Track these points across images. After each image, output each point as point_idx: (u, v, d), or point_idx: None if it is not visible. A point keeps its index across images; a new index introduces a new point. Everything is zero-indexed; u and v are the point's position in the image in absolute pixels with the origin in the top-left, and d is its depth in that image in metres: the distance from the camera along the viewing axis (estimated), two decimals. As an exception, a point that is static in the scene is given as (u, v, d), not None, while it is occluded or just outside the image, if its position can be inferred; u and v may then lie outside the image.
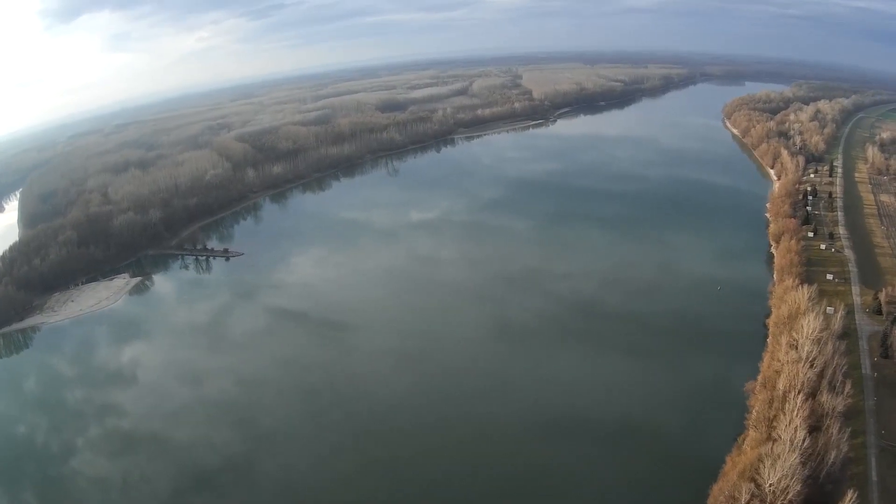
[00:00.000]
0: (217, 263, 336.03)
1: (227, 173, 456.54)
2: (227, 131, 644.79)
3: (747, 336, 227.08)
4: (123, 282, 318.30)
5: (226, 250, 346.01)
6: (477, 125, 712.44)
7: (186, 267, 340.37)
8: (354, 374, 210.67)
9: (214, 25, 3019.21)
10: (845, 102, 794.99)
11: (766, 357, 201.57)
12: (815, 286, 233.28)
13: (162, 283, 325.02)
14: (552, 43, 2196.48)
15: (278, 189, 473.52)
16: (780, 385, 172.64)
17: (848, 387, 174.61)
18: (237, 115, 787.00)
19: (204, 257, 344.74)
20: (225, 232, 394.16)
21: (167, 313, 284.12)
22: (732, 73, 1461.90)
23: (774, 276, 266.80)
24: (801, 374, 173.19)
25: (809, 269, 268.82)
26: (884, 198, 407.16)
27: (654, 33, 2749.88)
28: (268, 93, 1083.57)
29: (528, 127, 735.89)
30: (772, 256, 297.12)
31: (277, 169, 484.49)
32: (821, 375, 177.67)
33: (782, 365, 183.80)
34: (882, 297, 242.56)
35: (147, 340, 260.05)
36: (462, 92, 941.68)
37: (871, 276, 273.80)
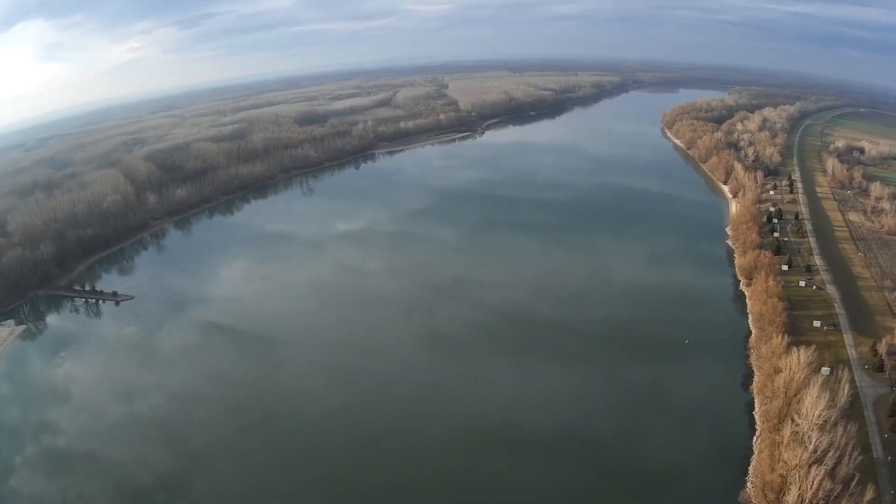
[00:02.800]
0: (107, 308, 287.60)
1: (126, 199, 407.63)
2: (141, 147, 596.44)
3: (676, 339, 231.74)
4: (7, 331, 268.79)
5: (115, 293, 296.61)
6: (400, 139, 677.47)
7: (77, 310, 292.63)
8: (284, 389, 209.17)
9: (145, 35, 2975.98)
10: (791, 109, 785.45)
11: (763, 451, 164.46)
12: (813, 350, 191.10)
13: (49, 331, 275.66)
14: (479, 51, 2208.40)
15: (182, 215, 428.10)
16: (791, 499, 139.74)
17: (870, 494, 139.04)
18: (155, 130, 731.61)
19: (94, 300, 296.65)
20: (124, 265, 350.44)
21: (45, 374, 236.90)
22: (666, 79, 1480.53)
23: (751, 323, 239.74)
24: (813, 479, 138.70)
25: (791, 314, 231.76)
26: (853, 216, 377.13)
27: (582, 40, 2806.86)
28: (190, 104, 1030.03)
29: (454, 139, 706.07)
30: (741, 295, 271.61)
31: (182, 192, 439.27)
32: (832, 474, 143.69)
33: (789, 470, 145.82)
34: (882, 348, 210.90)
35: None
36: (385, 103, 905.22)
37: (862, 318, 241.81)
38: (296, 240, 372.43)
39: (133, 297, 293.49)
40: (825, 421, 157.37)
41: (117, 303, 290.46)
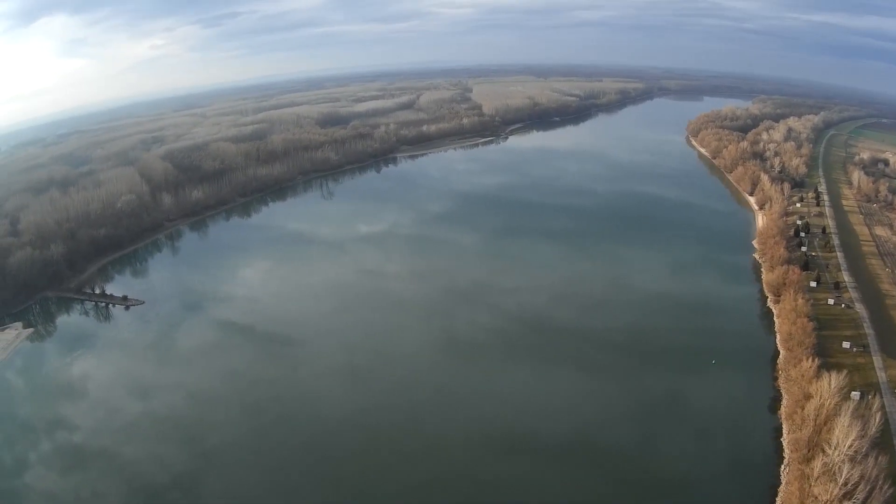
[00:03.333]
0: (117, 313, 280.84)
1: (141, 199, 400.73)
2: (160, 146, 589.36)
3: (699, 351, 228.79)
4: (14, 333, 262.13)
5: (125, 298, 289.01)
6: (422, 142, 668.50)
7: (87, 314, 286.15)
8: (300, 390, 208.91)
9: (168, 33, 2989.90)
10: (815, 119, 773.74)
11: (792, 483, 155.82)
12: (844, 375, 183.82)
13: (57, 335, 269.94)
14: (502, 56, 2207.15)
15: (198, 216, 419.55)
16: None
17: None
18: (175, 128, 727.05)
19: (104, 304, 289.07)
20: (137, 267, 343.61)
21: (54, 375, 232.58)
22: (689, 87, 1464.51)
23: (779, 343, 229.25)
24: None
25: (820, 334, 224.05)
26: (879, 231, 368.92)
27: (606, 47, 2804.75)
28: (212, 103, 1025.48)
29: (477, 144, 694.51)
30: (768, 312, 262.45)
31: (198, 193, 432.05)
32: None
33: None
34: None
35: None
36: (408, 106, 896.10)
37: (891, 339, 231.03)
38: (314, 242, 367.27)
39: (143, 302, 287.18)
40: (856, 451, 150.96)
41: (127, 307, 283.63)
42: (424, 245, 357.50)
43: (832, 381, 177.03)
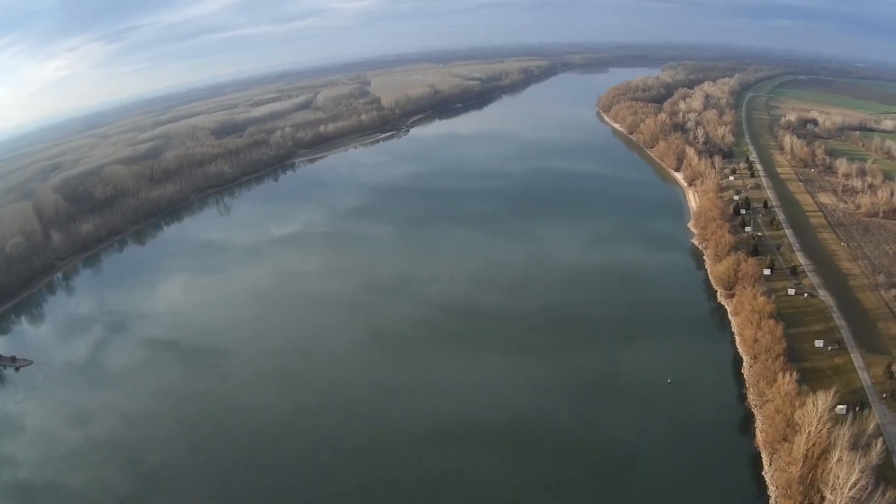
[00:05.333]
0: (8, 375, 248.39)
1: (31, 239, 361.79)
2: (59, 173, 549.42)
3: (630, 321, 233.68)
4: None
5: (13, 358, 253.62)
6: (320, 144, 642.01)
7: None
8: (233, 400, 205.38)
9: (71, 53, 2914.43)
10: (731, 83, 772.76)
11: None
12: (832, 393, 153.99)
13: None
14: (403, 45, 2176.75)
15: (90, 251, 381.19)
16: None
17: None
18: (74, 152, 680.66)
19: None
20: (34, 314, 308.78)
21: None
22: (594, 60, 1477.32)
23: (739, 347, 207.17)
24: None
25: (788, 334, 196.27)
26: (824, 198, 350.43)
27: (507, 28, 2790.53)
28: (116, 121, 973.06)
29: (377, 140, 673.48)
30: (719, 309, 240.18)
31: (88, 226, 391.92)
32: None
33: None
34: None
35: None
36: (306, 105, 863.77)
37: (865, 329, 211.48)
38: (215, 267, 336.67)
39: (32, 362, 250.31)
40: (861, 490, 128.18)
41: (17, 369, 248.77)
42: (340, 242, 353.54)
43: (819, 403, 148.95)
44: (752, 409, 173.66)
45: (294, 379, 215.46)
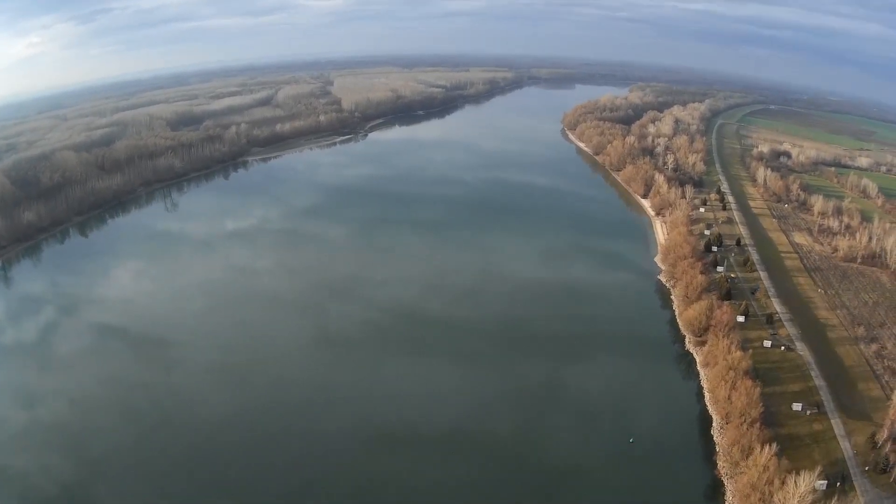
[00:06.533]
0: None
1: None
2: (13, 154, 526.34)
3: (575, 339, 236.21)
4: None
5: None
6: (275, 143, 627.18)
7: None
8: (177, 393, 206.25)
9: (45, 30, 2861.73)
10: (702, 108, 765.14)
11: None
12: (817, 472, 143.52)
13: None
14: (370, 47, 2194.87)
15: (30, 241, 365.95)
16: None
17: None
18: (32, 133, 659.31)
19: None
20: None
21: None
22: (561, 76, 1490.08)
23: (709, 405, 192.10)
24: None
25: (764, 394, 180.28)
26: (798, 238, 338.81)
27: (476, 37, 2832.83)
28: (78, 104, 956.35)
29: (334, 143, 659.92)
30: (686, 356, 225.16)
31: (30, 215, 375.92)
32: None
33: None
34: (881, 438, 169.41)
35: None
36: (266, 102, 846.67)
37: (845, 389, 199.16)
38: (157, 266, 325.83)
39: None
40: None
41: None
42: (293, 240, 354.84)
43: (801, 484, 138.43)
44: (723, 478, 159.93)
45: (239, 375, 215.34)
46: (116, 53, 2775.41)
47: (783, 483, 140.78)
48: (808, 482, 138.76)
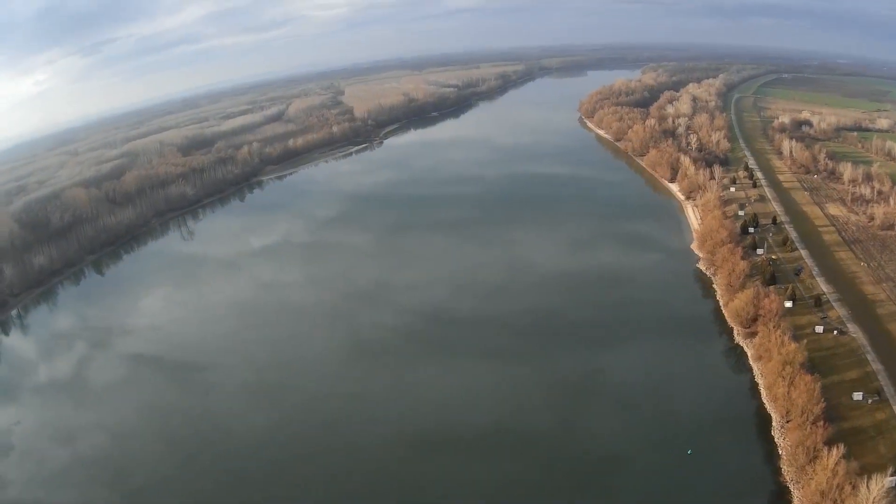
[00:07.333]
0: None
1: None
2: (24, 195, 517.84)
3: (613, 334, 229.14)
4: None
5: None
6: (289, 159, 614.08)
7: None
8: (216, 415, 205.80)
9: (50, 66, 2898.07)
10: (717, 84, 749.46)
11: None
12: (889, 474, 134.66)
13: None
14: (378, 52, 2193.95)
15: (45, 286, 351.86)
16: None
17: None
18: (42, 172, 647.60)
19: None
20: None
21: None
22: (571, 63, 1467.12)
23: (766, 402, 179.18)
24: None
25: (822, 385, 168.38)
26: (833, 209, 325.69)
27: (482, 32, 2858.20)
28: (88, 136, 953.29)
29: (349, 153, 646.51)
30: (737, 350, 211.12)
31: (41, 259, 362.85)
32: None
33: None
34: None
35: None
36: (277, 117, 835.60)
37: None
38: (180, 296, 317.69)
39: None
40: None
41: None
42: (318, 252, 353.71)
43: (874, 488, 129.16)
44: (788, 484, 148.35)
45: (275, 391, 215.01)
46: (124, 82, 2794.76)
47: (854, 487, 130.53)
48: (880, 484, 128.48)
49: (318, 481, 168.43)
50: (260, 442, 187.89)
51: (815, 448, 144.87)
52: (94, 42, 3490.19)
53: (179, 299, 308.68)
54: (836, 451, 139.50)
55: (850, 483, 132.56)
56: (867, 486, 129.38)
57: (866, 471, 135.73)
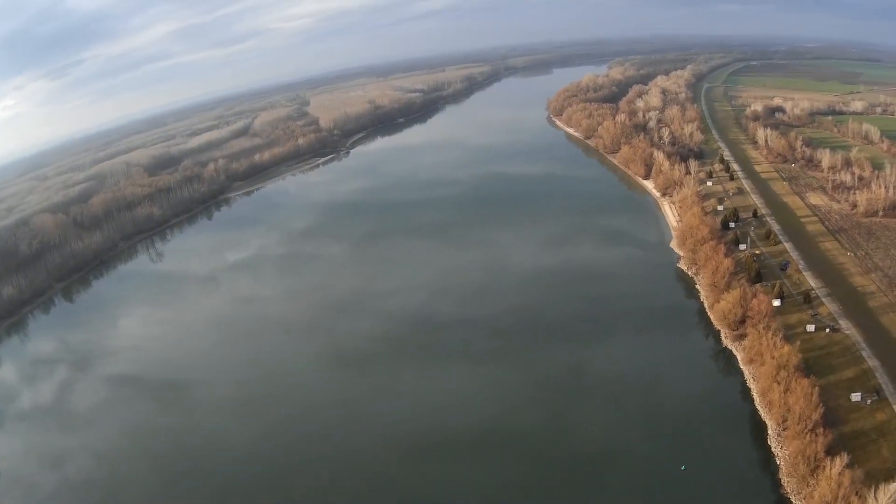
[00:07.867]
0: None
1: None
2: None
3: (596, 339, 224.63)
4: None
5: None
6: (256, 174, 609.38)
7: None
8: (201, 432, 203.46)
9: (18, 91, 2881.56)
10: (686, 75, 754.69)
11: None
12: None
13: None
14: (344, 61, 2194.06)
15: (13, 318, 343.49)
16: None
17: None
18: (11, 199, 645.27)
19: None
20: None
21: None
22: (538, 61, 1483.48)
23: (760, 408, 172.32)
24: None
25: (819, 388, 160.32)
26: (814, 199, 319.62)
27: (447, 36, 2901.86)
28: (57, 160, 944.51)
29: (316, 165, 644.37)
30: (725, 353, 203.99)
31: (9, 289, 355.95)
32: None
33: None
34: None
35: None
36: (244, 132, 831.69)
37: None
38: (157, 314, 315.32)
39: None
40: None
41: None
42: (294, 264, 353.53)
43: (883, 499, 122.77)
44: (790, 496, 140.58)
45: (260, 404, 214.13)
46: (93, 103, 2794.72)
47: (860, 497, 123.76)
48: (888, 494, 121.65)
49: (309, 492, 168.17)
50: (248, 456, 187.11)
51: (816, 457, 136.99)
52: (61, 65, 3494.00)
53: (156, 319, 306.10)
54: (840, 460, 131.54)
55: (857, 493, 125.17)
56: (874, 496, 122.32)
57: (871, 477, 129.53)
